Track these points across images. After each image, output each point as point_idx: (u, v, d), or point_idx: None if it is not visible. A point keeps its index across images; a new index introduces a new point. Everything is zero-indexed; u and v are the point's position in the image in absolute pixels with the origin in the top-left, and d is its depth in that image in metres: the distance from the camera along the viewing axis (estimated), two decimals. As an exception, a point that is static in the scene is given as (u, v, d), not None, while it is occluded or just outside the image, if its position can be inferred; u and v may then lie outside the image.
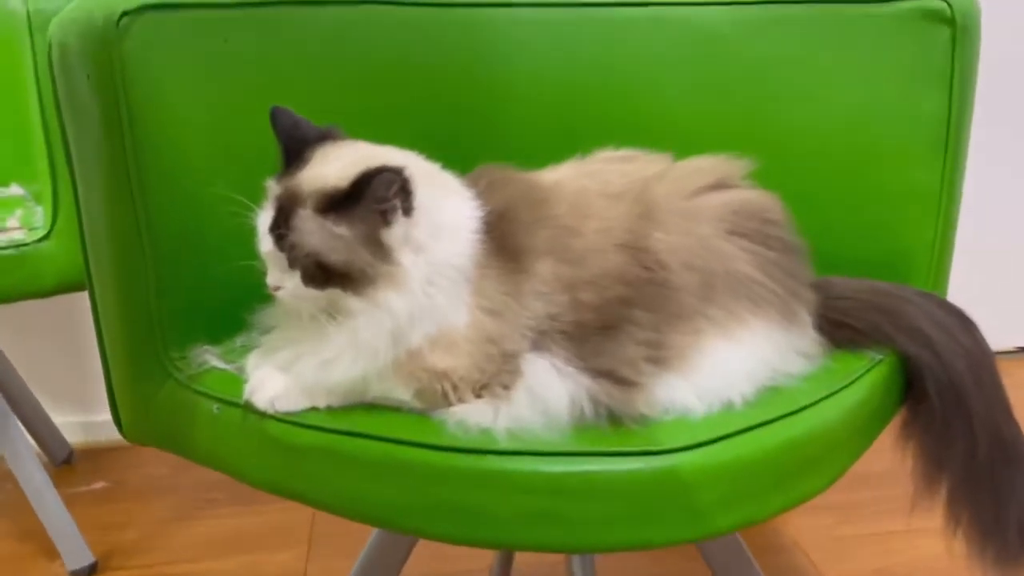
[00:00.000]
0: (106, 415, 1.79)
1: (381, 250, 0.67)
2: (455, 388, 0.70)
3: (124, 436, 0.83)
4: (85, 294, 1.79)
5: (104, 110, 0.73)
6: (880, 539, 1.45)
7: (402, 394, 0.71)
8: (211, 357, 0.79)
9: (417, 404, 0.71)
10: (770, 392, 0.72)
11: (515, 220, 0.72)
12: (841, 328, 0.80)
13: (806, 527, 1.49)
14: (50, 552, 1.41)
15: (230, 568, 1.42)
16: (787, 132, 0.91)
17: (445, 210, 0.71)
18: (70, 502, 1.43)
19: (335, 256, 0.66)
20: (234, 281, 0.76)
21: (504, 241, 0.71)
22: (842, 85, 0.90)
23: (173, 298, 0.78)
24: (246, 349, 0.78)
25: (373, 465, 0.67)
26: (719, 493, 0.65)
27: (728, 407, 0.70)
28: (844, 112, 0.90)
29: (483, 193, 0.74)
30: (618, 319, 0.70)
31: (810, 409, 0.71)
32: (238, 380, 0.75)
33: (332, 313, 0.69)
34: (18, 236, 1.19)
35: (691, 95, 0.94)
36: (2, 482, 1.62)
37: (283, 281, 0.69)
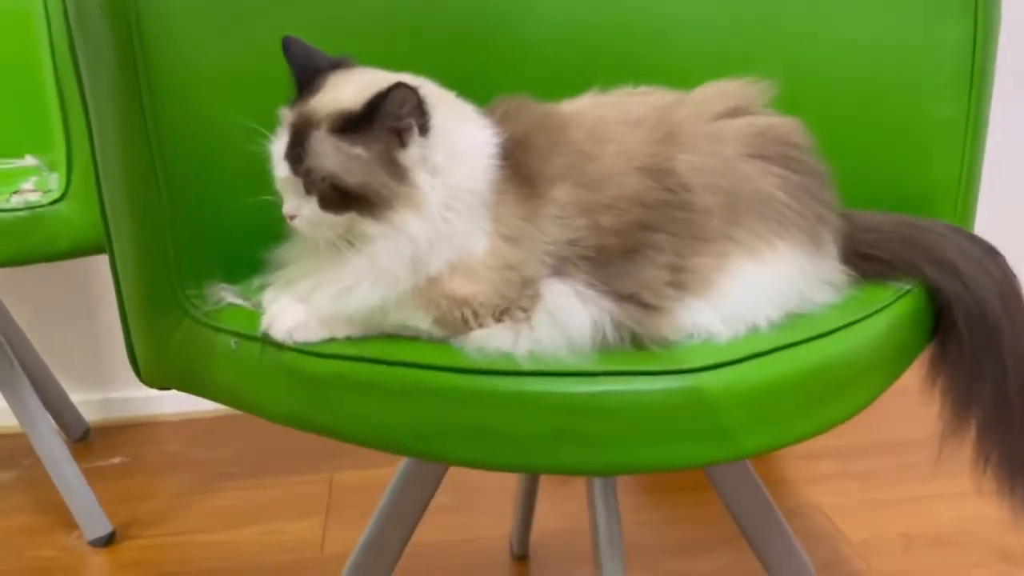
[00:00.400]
0: (122, 392, 1.79)
1: (398, 171, 0.66)
2: (475, 314, 0.69)
3: (142, 379, 0.82)
4: (101, 272, 1.79)
5: (117, 41, 0.72)
6: (905, 504, 1.43)
7: (421, 322, 0.70)
8: (228, 294, 0.78)
9: (437, 332, 0.70)
10: (796, 317, 0.71)
11: (531, 146, 0.72)
12: (867, 260, 0.78)
13: (831, 492, 1.48)
14: (68, 524, 1.42)
15: (247, 538, 1.41)
16: (806, 64, 0.89)
17: (461, 135, 0.70)
18: (88, 476, 1.43)
19: (351, 177, 0.65)
20: (251, 219, 0.75)
21: (520, 167, 0.70)
22: (863, 14, 0.88)
23: (189, 235, 0.78)
24: (264, 288, 0.77)
25: (394, 391, 0.66)
26: (744, 414, 0.64)
27: (753, 331, 0.69)
28: (865, 42, 0.88)
29: (499, 121, 0.74)
30: (639, 243, 0.69)
31: (837, 334, 0.69)
32: (255, 315, 0.74)
33: (350, 240, 0.68)
34: (33, 198, 1.19)
35: (707, 30, 0.93)
36: (22, 457, 1.63)
37: (300, 208, 0.68)
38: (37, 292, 1.71)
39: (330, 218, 0.67)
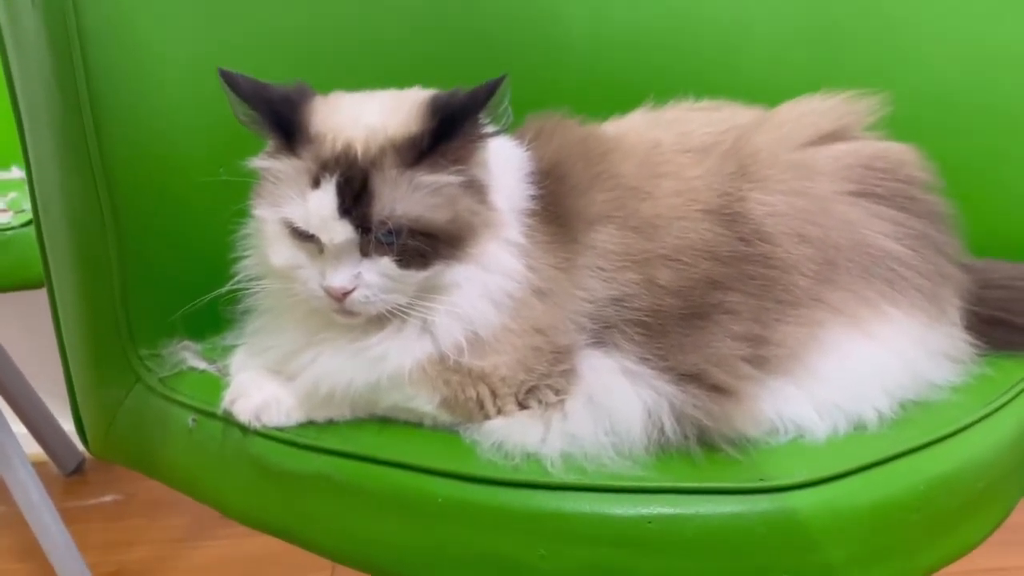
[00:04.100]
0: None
1: (480, 192, 0.54)
2: (493, 395, 0.55)
3: (89, 451, 0.69)
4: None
5: (52, 42, 0.58)
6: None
7: (424, 404, 0.56)
8: (189, 355, 0.64)
9: (444, 417, 0.56)
10: (914, 408, 0.56)
11: (567, 178, 0.58)
12: (997, 325, 0.64)
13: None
14: (48, 571, 1.30)
15: (242, 595, 1.28)
16: (915, 79, 0.74)
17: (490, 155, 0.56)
18: (77, 516, 1.33)
19: (440, 214, 0.52)
20: (217, 267, 0.60)
21: (554, 203, 0.57)
22: (982, 16, 0.72)
23: (143, 284, 0.64)
24: (232, 345, 0.63)
25: (387, 499, 0.53)
26: (850, 547, 0.50)
27: (859, 427, 0.54)
28: (986, 50, 0.73)
29: (530, 143, 0.60)
30: (707, 306, 0.55)
31: (967, 432, 0.55)
32: (220, 384, 0.60)
33: (411, 305, 0.53)
34: (3, 219, 1.06)
35: (790, 41, 0.77)
36: (5, 493, 1.52)
37: (362, 277, 0.52)
38: (28, 314, 1.60)
39: (411, 276, 0.52)
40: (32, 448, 1.48)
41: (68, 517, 1.31)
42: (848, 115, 0.61)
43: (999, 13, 0.72)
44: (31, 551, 1.35)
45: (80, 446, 1.62)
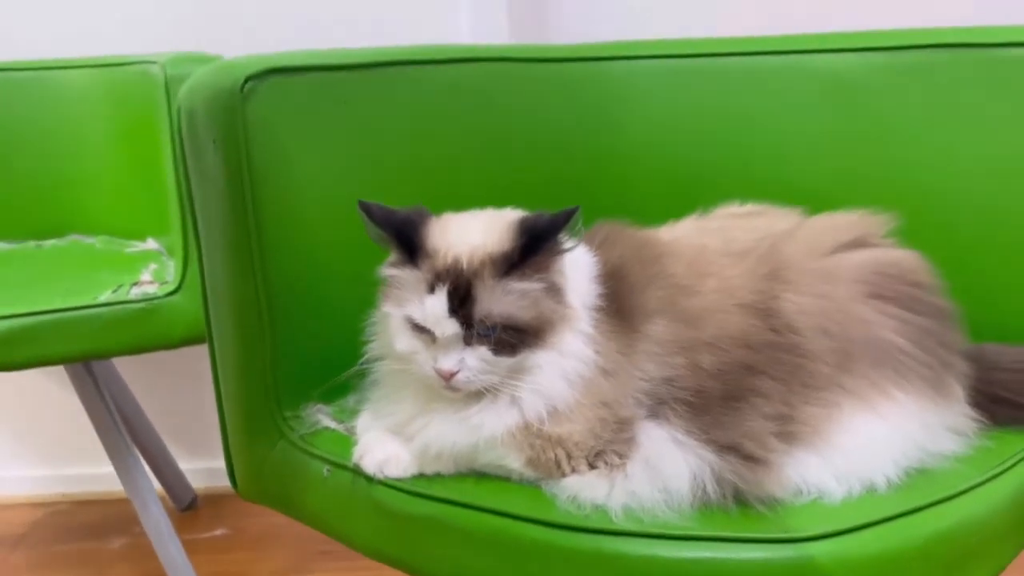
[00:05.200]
0: (228, 462, 1.83)
1: (558, 294, 0.66)
2: (569, 456, 0.66)
3: (239, 494, 0.83)
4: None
5: (228, 173, 0.74)
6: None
7: (513, 462, 0.67)
8: (323, 417, 0.78)
9: (529, 473, 0.67)
10: (918, 475, 0.65)
11: (627, 278, 0.70)
12: (1000, 404, 0.72)
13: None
14: (173, 598, 1.44)
15: (342, 626, 1.40)
16: (928, 186, 0.84)
17: (568, 260, 0.69)
18: (190, 548, 1.45)
19: (526, 313, 0.64)
20: (347, 341, 0.75)
21: (617, 298, 0.69)
22: (988, 135, 0.83)
23: (288, 358, 0.79)
24: (358, 408, 0.77)
25: (483, 539, 0.64)
26: None
27: (870, 490, 0.64)
28: (991, 164, 0.82)
29: (598, 248, 0.72)
30: (743, 387, 0.65)
31: (966, 495, 0.64)
32: (349, 442, 0.74)
33: (503, 383, 0.65)
34: (151, 290, 1.23)
35: (821, 147, 0.89)
36: (130, 525, 1.68)
37: (464, 361, 0.65)
38: (150, 362, 1.78)
39: (503, 362, 0.65)
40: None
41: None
42: (865, 227, 0.72)
43: (992, 135, 0.82)
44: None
45: (193, 483, 1.80)
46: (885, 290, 0.68)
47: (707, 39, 0.98)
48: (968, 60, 0.85)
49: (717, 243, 0.73)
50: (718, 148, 0.93)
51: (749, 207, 0.80)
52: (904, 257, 0.71)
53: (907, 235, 0.73)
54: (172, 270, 1.29)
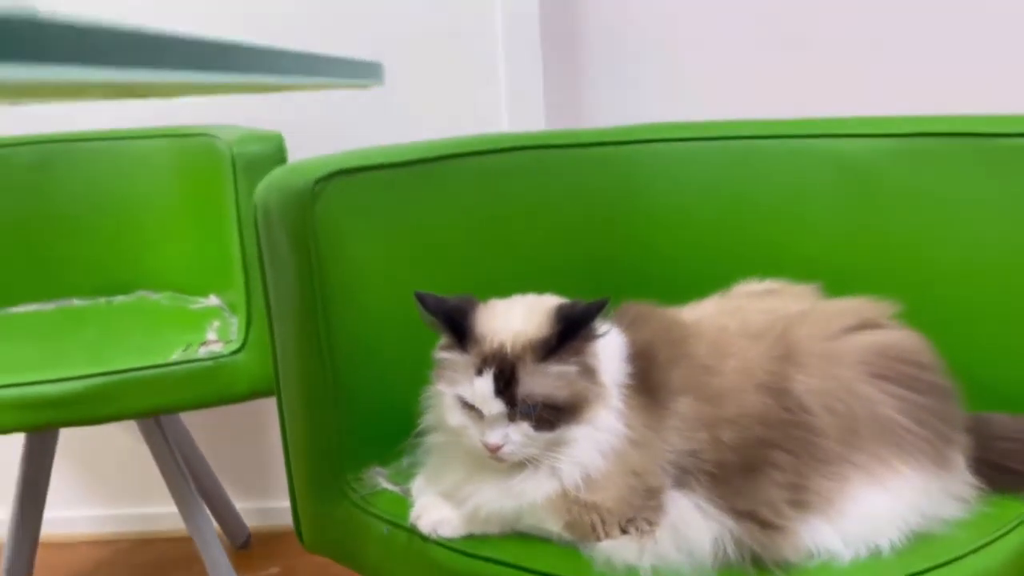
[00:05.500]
0: (282, 502, 1.92)
1: (592, 375, 0.74)
2: (603, 521, 0.74)
3: (305, 546, 0.92)
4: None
5: (298, 262, 0.84)
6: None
7: (553, 526, 0.75)
8: (382, 479, 0.87)
9: (567, 536, 0.75)
10: (921, 539, 0.72)
11: (655, 358, 0.77)
12: (1001, 471, 0.78)
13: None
14: (232, 634, 1.53)
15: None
16: (938, 268, 0.91)
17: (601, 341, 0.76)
18: None
19: (564, 393, 0.72)
20: (403, 409, 0.84)
21: (645, 376, 0.76)
22: (997, 222, 0.89)
23: (351, 426, 0.88)
24: (411, 471, 0.86)
25: (528, 596, 0.72)
26: None
27: (876, 554, 0.70)
28: (1000, 250, 0.89)
29: (627, 329, 0.79)
30: (759, 460, 0.72)
31: (966, 558, 0.70)
32: (405, 503, 0.82)
33: (543, 455, 0.73)
34: (216, 349, 1.33)
35: (835, 228, 0.96)
36: (191, 563, 1.78)
37: (509, 436, 0.73)
38: (217, 422, 1.88)
39: (543, 436, 0.72)
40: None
41: (237, 586, 1.54)
42: (869, 311, 0.79)
43: (1001, 222, 0.89)
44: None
45: (247, 522, 1.89)
46: (887, 371, 0.75)
47: (729, 122, 1.07)
48: (973, 148, 0.92)
49: (736, 324, 0.80)
50: (738, 224, 1.01)
51: (765, 285, 0.88)
52: (905, 338, 0.78)
53: (912, 307, 0.80)
54: (235, 328, 1.39)
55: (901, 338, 0.78)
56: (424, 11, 1.55)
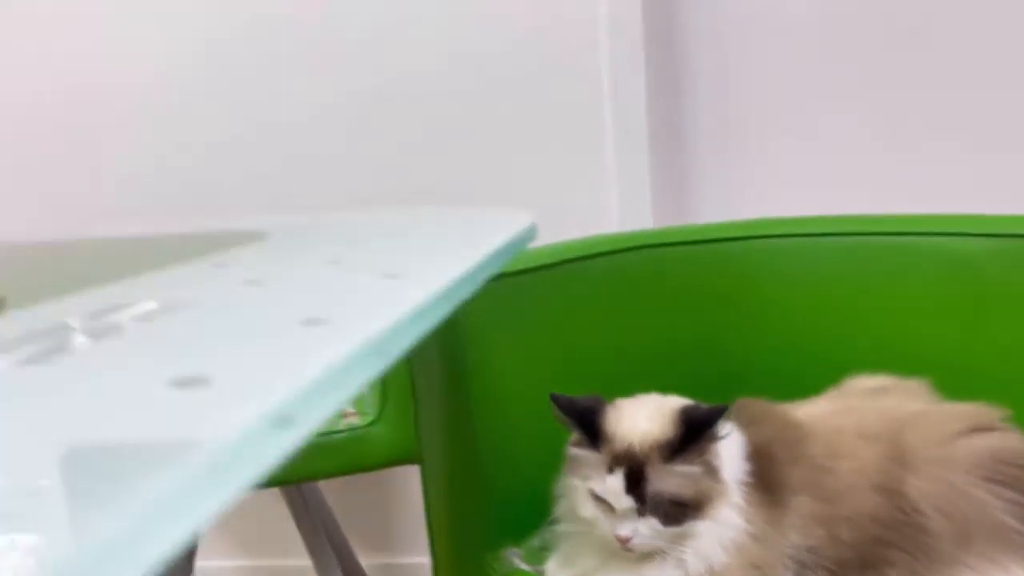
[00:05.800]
0: (405, 559, 2.02)
1: (714, 473, 0.80)
2: (726, 612, 0.80)
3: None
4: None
5: (444, 362, 0.95)
6: None
7: (679, 615, 0.82)
8: (517, 559, 0.96)
9: (693, 625, 0.82)
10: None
11: (773, 457, 0.83)
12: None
13: None
14: None
15: None
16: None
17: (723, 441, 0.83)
18: None
19: (689, 491, 0.79)
20: (537, 496, 0.92)
21: (764, 474, 0.82)
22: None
23: (491, 510, 0.97)
24: (543, 554, 0.94)
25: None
26: None
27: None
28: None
29: (746, 428, 0.86)
30: (876, 558, 0.78)
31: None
32: (539, 583, 0.90)
33: (670, 547, 0.79)
34: (355, 421, 1.45)
35: (945, 325, 1.00)
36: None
37: (638, 530, 0.79)
38: (348, 487, 2.00)
39: (670, 530, 0.79)
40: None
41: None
42: (982, 415, 0.83)
43: None
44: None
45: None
46: (1000, 474, 0.79)
47: (838, 217, 1.13)
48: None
49: (851, 424, 0.86)
50: (847, 319, 1.06)
51: (877, 381, 0.93)
52: (1017, 442, 0.82)
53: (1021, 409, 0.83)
54: (371, 403, 1.51)
55: (1014, 441, 0.82)
56: (538, 122, 1.63)
